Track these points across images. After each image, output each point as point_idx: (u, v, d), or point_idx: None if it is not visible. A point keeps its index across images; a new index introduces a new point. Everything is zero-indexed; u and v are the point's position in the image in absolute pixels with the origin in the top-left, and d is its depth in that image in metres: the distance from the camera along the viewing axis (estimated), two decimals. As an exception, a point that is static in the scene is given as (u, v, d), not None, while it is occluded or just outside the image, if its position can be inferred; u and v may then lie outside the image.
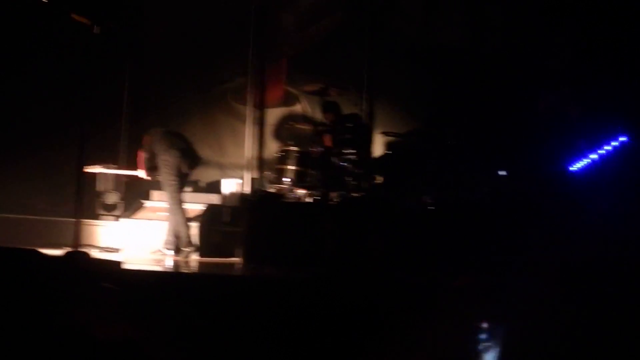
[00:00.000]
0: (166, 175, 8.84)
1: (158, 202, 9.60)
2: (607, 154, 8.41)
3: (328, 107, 9.41)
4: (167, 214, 8.95)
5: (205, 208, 9.62)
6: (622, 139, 8.32)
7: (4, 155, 10.28)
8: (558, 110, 9.16)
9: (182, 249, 8.82)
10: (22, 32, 10.30)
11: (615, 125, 8.47)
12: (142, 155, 9.07)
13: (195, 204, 9.62)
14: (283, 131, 10.42)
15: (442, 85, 10.25)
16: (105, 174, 9.98)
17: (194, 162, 9.08)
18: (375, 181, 9.08)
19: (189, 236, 8.86)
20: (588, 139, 8.66)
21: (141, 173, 9.20)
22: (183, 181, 9.00)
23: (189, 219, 9.06)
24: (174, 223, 8.86)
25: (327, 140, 9.23)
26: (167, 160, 8.82)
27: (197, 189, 10.19)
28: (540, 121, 9.19)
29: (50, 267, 5.32)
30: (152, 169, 9.05)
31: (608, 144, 8.46)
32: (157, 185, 9.39)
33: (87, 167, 8.86)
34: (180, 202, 8.89)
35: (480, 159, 9.00)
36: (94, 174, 9.81)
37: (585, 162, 8.73)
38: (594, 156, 8.60)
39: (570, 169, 8.86)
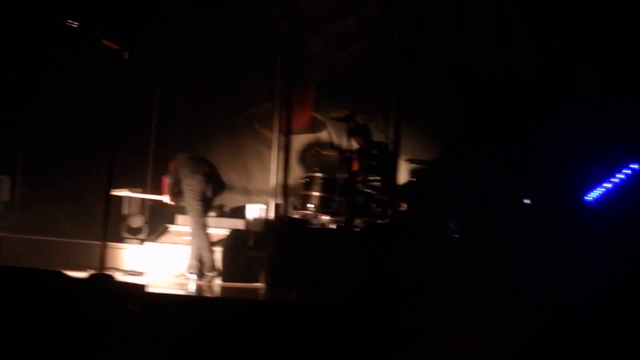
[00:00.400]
0: (190, 200, 8.87)
1: (183, 226, 9.63)
2: (620, 183, 8.29)
3: (358, 131, 9.39)
4: (191, 238, 8.99)
5: (229, 233, 9.64)
6: (633, 166, 8.21)
7: (33, 178, 10.39)
8: (576, 137, 9.09)
9: (205, 273, 8.82)
10: (52, 57, 10.46)
11: (627, 152, 8.38)
12: (166, 181, 9.13)
13: (220, 228, 9.64)
14: (309, 157, 10.45)
15: (469, 111, 10.24)
16: (131, 198, 10.07)
17: (218, 187, 9.12)
18: (400, 208, 9.05)
19: (212, 261, 8.86)
20: (602, 167, 8.55)
21: (166, 198, 9.26)
22: (207, 206, 9.03)
23: (213, 244, 9.08)
24: (197, 247, 8.88)
25: (355, 165, 9.23)
26: (192, 185, 8.87)
27: (222, 213, 10.23)
28: (560, 148, 9.13)
29: (75, 288, 5.35)
30: (176, 194, 9.09)
31: (620, 172, 8.35)
32: (182, 210, 9.43)
33: (114, 190, 9.00)
34: (204, 226, 8.90)
35: (505, 186, 8.95)
36: (120, 198, 9.89)
37: (600, 192, 8.61)
38: (607, 185, 8.48)
39: (586, 198, 8.76)
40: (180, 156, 9.14)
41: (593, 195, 8.75)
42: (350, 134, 9.39)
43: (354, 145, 9.34)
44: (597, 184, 8.65)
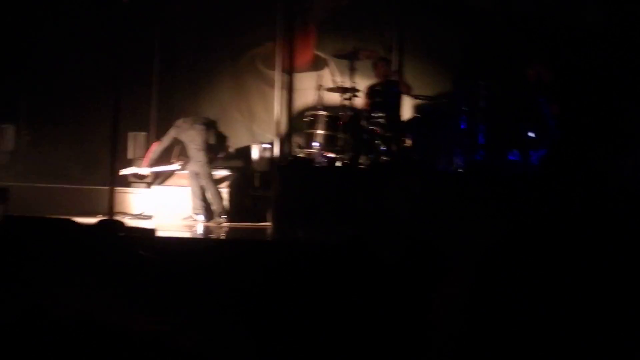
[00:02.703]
0: (194, 152, 9.13)
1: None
2: None
3: (385, 60, 9.62)
4: (189, 179, 9.20)
5: (235, 173, 9.71)
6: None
7: (39, 124, 10.40)
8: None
9: (216, 218, 9.01)
10: (52, 3, 10.37)
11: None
12: (152, 148, 9.45)
13: (225, 169, 9.73)
14: (312, 95, 10.40)
15: (472, 46, 10.15)
16: (135, 141, 10.10)
17: (220, 136, 9.41)
18: (405, 144, 9.05)
19: (222, 206, 9.06)
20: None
21: (175, 166, 9.54)
22: (211, 155, 9.22)
23: (219, 183, 9.28)
24: (198, 188, 9.13)
25: (366, 103, 9.28)
26: (192, 135, 9.14)
27: (228, 154, 10.26)
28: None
29: (86, 236, 5.42)
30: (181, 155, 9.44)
31: None
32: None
33: (121, 170, 9.34)
34: (210, 175, 9.15)
35: (510, 120, 8.88)
36: (125, 141, 9.93)
37: None
38: None
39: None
40: (177, 122, 9.41)
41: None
42: (377, 60, 9.57)
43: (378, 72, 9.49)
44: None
